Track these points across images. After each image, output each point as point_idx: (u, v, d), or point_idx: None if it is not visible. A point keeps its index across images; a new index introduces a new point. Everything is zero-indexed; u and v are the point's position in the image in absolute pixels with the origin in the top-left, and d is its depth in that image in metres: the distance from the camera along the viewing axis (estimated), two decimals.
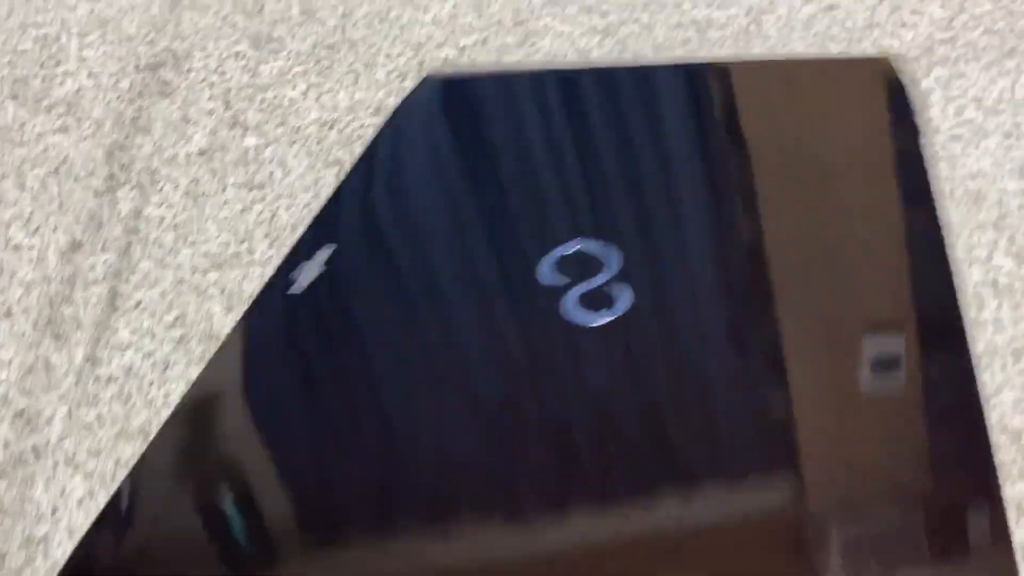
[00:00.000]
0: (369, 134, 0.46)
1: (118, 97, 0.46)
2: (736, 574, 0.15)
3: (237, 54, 0.48)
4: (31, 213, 0.42)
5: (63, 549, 0.33)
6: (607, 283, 0.21)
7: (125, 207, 0.42)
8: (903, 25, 0.51)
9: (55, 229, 0.41)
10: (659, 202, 0.24)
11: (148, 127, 0.45)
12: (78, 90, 0.47)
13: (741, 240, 0.22)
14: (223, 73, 0.47)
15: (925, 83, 0.49)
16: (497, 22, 0.50)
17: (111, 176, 0.43)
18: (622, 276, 0.21)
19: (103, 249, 0.41)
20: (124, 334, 0.39)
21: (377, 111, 0.46)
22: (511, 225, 0.24)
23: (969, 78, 0.49)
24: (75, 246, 0.41)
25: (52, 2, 0.49)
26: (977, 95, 0.48)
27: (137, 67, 0.47)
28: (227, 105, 0.46)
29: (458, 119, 0.29)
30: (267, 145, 0.45)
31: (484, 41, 0.49)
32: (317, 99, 0.47)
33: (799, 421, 0.17)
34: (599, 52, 0.49)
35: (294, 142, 0.45)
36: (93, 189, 0.43)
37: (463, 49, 0.49)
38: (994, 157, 0.46)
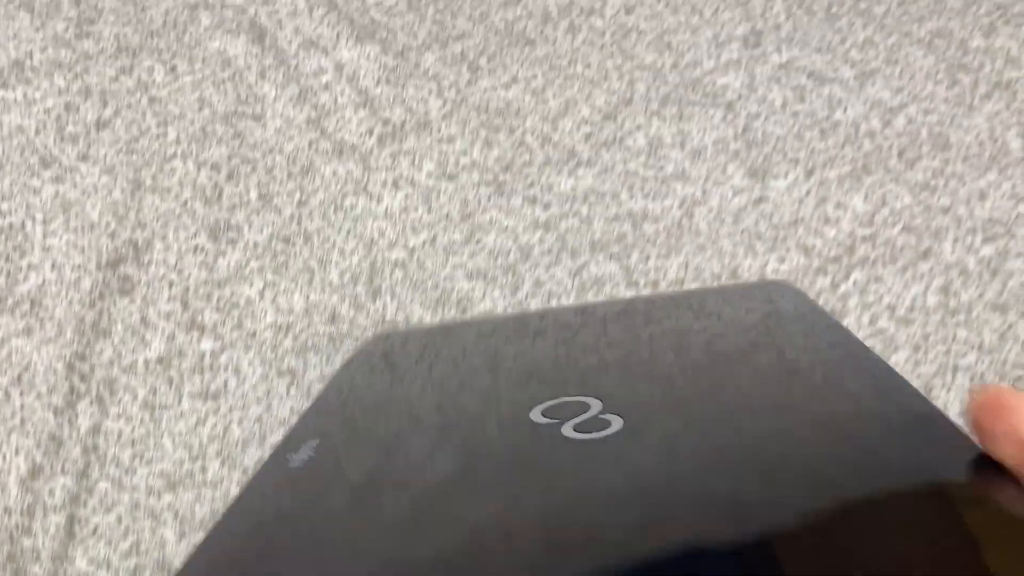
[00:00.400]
0: (323, 343, 0.47)
1: (79, 299, 0.47)
2: None
3: (196, 247, 0.49)
4: None
5: None
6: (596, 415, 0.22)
7: (84, 424, 0.44)
8: (827, 221, 0.53)
9: (16, 452, 0.43)
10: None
11: (108, 330, 0.46)
12: (42, 284, 0.47)
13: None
14: (181, 271, 0.48)
15: (844, 287, 0.51)
16: (446, 215, 0.52)
17: (71, 389, 0.44)
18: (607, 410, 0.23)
19: (62, 472, 0.42)
20: (81, 564, 0.41)
21: (332, 318, 0.47)
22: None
23: (885, 282, 0.51)
24: (35, 471, 0.42)
25: (18, 186, 0.50)
26: (891, 302, 0.50)
27: (99, 264, 0.48)
28: (185, 305, 0.48)
29: (414, 363, 0.31)
30: (223, 350, 0.47)
31: (433, 240, 0.51)
32: (273, 300, 0.48)
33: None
34: (540, 249, 0.51)
35: (249, 347, 0.47)
36: (53, 407, 0.44)
37: (412, 250, 0.50)
38: (902, 373, 0.48)
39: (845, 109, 0.58)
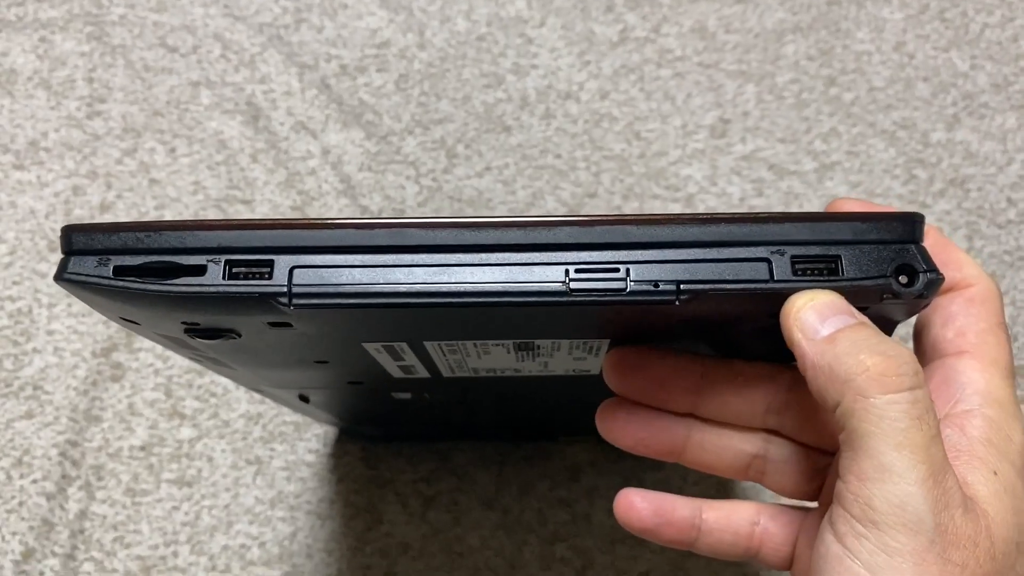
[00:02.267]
0: (289, 432, 0.50)
1: (75, 386, 0.50)
2: None
3: None
4: None
5: None
6: None
7: (73, 508, 0.47)
8: None
9: (13, 534, 0.46)
10: None
11: (99, 417, 0.50)
12: (44, 368, 0.51)
13: None
14: (167, 359, 0.51)
15: None
16: None
17: (63, 475, 0.48)
18: None
19: (52, 554, 0.46)
20: None
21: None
22: None
23: None
24: (27, 553, 0.46)
25: (28, 271, 0.53)
26: None
27: (94, 352, 0.51)
28: (168, 393, 0.51)
29: None
30: (200, 438, 0.50)
31: None
32: (247, 390, 0.51)
33: None
34: None
35: (223, 436, 0.50)
36: (46, 492, 0.47)
37: None
38: None
39: (801, 204, 0.58)
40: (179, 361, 0.51)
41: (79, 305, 0.53)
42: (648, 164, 0.59)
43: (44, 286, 0.53)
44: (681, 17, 0.66)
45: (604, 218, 0.24)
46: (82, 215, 0.56)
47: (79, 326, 0.52)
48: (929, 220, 0.56)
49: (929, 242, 0.24)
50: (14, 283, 0.53)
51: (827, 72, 0.63)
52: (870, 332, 0.24)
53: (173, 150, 0.59)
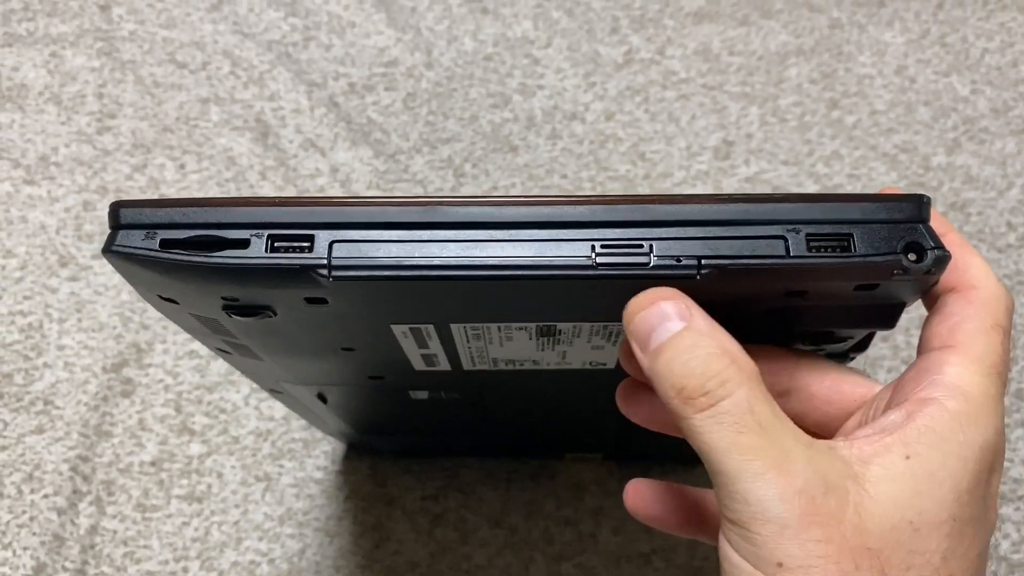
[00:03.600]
0: (299, 449, 0.51)
1: (86, 401, 0.51)
2: None
3: (191, 352, 0.53)
4: (7, 524, 0.48)
5: None
6: None
7: (84, 524, 0.48)
8: None
9: (24, 549, 0.47)
10: None
11: (109, 432, 0.50)
12: (54, 384, 0.51)
13: None
14: (177, 375, 0.52)
15: None
16: None
17: (74, 490, 0.48)
18: None
19: (63, 569, 0.47)
20: None
21: (309, 424, 0.51)
22: None
23: None
24: (39, 568, 0.46)
25: (38, 286, 0.54)
26: None
27: (104, 367, 0.52)
28: (178, 409, 0.51)
29: None
30: (209, 454, 0.50)
31: None
32: (256, 406, 0.51)
33: None
34: None
35: (232, 452, 0.50)
36: (58, 508, 0.48)
37: None
38: None
39: None
40: (189, 377, 0.52)
41: (89, 320, 0.53)
42: (653, 185, 0.60)
43: (55, 301, 0.54)
44: (685, 39, 0.67)
45: (628, 197, 0.25)
46: (92, 231, 0.57)
47: (89, 341, 0.53)
48: None
49: (947, 240, 0.25)
50: (25, 298, 0.54)
51: (829, 95, 0.65)
52: (689, 339, 0.24)
53: (183, 166, 0.60)
